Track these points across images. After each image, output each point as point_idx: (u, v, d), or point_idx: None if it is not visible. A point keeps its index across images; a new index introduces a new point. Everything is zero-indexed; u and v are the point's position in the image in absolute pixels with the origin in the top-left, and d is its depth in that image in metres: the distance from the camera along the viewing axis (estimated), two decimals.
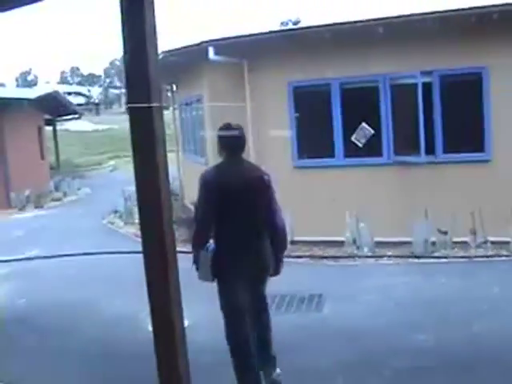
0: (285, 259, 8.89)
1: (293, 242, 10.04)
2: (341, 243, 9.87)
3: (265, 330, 4.78)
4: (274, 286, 7.51)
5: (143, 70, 2.72)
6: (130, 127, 2.75)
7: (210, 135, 12.67)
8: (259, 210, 4.60)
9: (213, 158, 12.61)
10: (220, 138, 4.69)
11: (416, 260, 8.96)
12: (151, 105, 2.69)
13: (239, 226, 4.49)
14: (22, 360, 5.70)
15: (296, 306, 6.74)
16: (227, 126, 4.67)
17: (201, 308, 6.23)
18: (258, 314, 4.76)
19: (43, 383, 4.95)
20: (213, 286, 4.56)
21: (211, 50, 10.61)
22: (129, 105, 2.74)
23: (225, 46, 10.82)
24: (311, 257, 9.30)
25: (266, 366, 4.69)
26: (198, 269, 4.60)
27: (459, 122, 9.76)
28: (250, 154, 11.38)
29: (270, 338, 4.78)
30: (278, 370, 4.72)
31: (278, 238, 4.69)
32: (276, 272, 4.82)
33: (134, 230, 12.94)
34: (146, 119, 2.69)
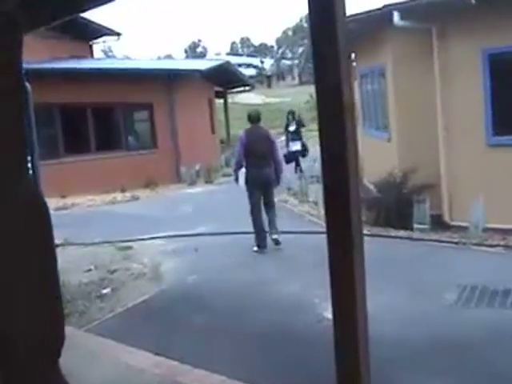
0: (475, 247, 8.51)
1: (485, 230, 9.66)
2: None
3: (272, 215, 9.50)
4: (463, 276, 7.33)
5: (330, 35, 2.68)
6: (316, 96, 2.73)
7: (395, 109, 12.45)
8: (267, 152, 9.36)
9: (397, 133, 12.43)
10: (248, 115, 9.70)
11: None
12: (339, 71, 2.65)
13: (257, 160, 9.26)
14: (192, 337, 5.96)
15: (488, 301, 6.44)
16: (250, 111, 10.05)
17: (381, 297, 6.18)
18: (268, 206, 9.52)
19: (211, 362, 5.13)
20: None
21: (396, 15, 10.40)
22: (316, 72, 2.72)
23: (411, 9, 10.53)
24: (505, 246, 8.85)
25: (271, 233, 9.46)
26: (237, 182, 9.69)
27: None
28: (438, 130, 11.06)
29: (274, 219, 9.52)
30: (276, 235, 9.44)
31: (277, 167, 9.53)
32: (277, 183, 9.80)
33: (308, 209, 13.12)
34: (333, 88, 2.65)
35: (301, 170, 18.58)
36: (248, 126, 9.81)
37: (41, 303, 1.92)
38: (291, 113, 20.19)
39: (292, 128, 19.47)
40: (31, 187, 2.15)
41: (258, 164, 9.24)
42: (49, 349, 1.95)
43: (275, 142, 9.86)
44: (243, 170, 9.49)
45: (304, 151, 19.24)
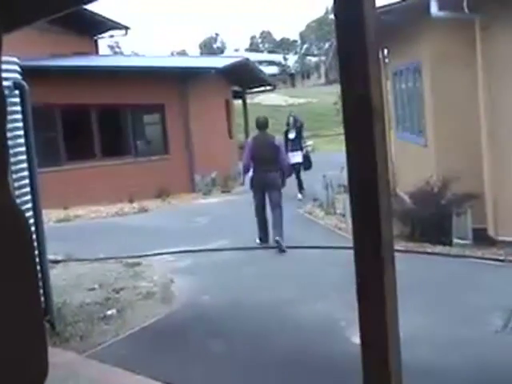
0: None
1: None
2: None
3: (276, 216, 10.92)
4: (510, 298, 7.25)
5: (358, 30, 2.69)
6: (341, 98, 2.74)
7: (432, 111, 12.39)
8: (273, 157, 10.96)
9: (434, 137, 12.36)
10: (256, 121, 11.45)
11: None
12: (367, 71, 2.66)
13: (262, 165, 10.92)
14: (206, 365, 5.95)
15: None
16: (258, 117, 11.62)
17: (417, 320, 6.15)
18: (273, 207, 10.99)
19: None
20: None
21: (434, 5, 10.35)
22: (341, 72, 2.74)
23: None
24: None
25: (274, 234, 10.80)
26: (243, 184, 12.37)
27: None
28: (481, 134, 10.98)
29: (279, 220, 10.87)
30: (278, 238, 10.62)
31: (284, 170, 11.23)
32: (283, 185, 11.25)
33: (335, 222, 13.20)
34: (361, 88, 2.66)
35: (301, 187, 17.66)
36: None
37: (16, 329, 1.88)
38: (291, 116, 18.67)
39: (292, 135, 17.91)
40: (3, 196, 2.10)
41: (264, 168, 10.95)
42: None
43: (280, 147, 11.64)
44: (250, 173, 11.34)
45: (307, 163, 17.92)
